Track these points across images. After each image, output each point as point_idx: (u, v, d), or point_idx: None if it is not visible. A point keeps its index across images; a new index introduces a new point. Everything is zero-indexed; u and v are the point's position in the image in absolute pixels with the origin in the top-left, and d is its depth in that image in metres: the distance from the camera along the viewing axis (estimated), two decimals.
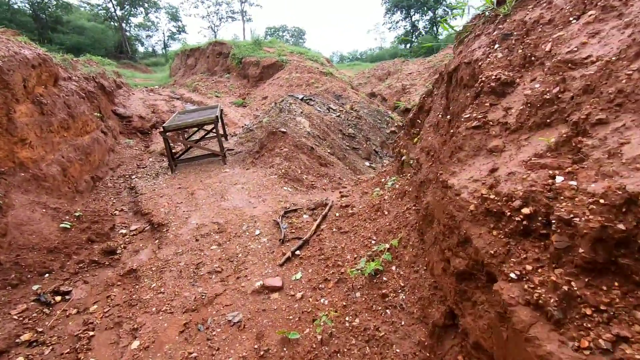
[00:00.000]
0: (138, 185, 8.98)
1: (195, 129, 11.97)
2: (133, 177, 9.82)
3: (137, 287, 4.76)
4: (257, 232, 5.52)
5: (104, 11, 41.99)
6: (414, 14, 42.23)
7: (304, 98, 14.17)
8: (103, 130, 11.44)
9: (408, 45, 43.28)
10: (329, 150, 11.36)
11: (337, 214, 5.27)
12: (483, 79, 2.31)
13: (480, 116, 2.20)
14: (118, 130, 13.26)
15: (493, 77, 2.26)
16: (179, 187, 8.39)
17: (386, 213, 4.12)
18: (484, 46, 2.74)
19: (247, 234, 5.53)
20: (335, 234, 4.71)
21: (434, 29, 41.87)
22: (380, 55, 43.94)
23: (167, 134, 10.19)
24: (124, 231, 6.69)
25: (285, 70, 20.40)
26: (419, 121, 4.80)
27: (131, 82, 23.32)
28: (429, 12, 41.43)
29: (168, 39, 49.41)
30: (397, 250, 3.41)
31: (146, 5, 44.83)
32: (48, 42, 32.06)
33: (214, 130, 10.16)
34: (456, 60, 3.12)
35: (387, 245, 3.51)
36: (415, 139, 4.22)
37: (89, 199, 8.12)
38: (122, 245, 6.11)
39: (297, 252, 4.76)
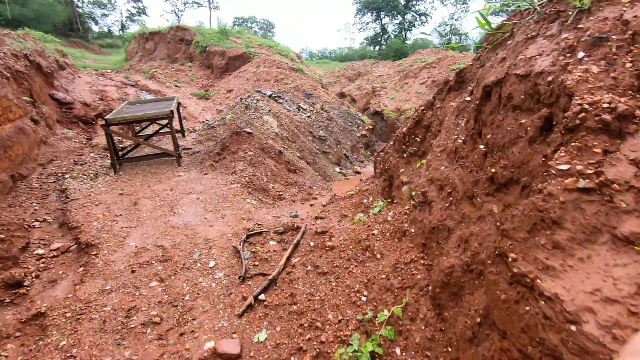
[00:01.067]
0: (70, 188, 7.43)
1: (148, 122, 10.43)
2: (66, 176, 8.19)
3: (40, 343, 3.47)
4: (212, 263, 4.39)
5: None
6: (384, 17, 41.95)
7: (273, 95, 12.98)
8: (33, 117, 9.60)
9: (377, 48, 42.96)
10: (298, 154, 10.32)
11: (312, 244, 4.27)
12: (585, 106, 1.42)
13: (590, 171, 1.31)
14: (55, 119, 11.33)
15: (604, 105, 1.38)
16: (121, 194, 6.98)
17: (378, 257, 3.20)
18: (549, 53, 1.86)
19: (199, 265, 4.37)
20: (310, 275, 3.71)
21: (403, 33, 41.87)
22: (350, 56, 43.27)
23: (112, 127, 8.64)
24: (40, 251, 5.25)
25: (253, 63, 18.99)
26: (417, 138, 3.91)
27: (79, 64, 20.78)
28: (399, 16, 41.33)
29: (126, 20, 45.48)
30: (402, 323, 2.49)
31: None
32: None
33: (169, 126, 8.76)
34: (498, 71, 2.23)
35: (387, 314, 2.58)
36: (418, 164, 3.32)
37: (2, 205, 6.50)
38: (33, 273, 4.70)
39: (262, 297, 3.71)
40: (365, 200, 4.91)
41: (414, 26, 41.12)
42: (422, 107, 3.90)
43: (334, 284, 3.36)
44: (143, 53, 23.83)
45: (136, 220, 5.73)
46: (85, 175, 8.19)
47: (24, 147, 8.28)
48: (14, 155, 7.75)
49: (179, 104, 11.59)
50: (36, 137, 9.10)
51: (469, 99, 2.88)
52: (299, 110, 13.07)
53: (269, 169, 8.12)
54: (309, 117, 12.86)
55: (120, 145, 10.72)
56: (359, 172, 12.08)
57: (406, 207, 3.39)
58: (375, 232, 3.56)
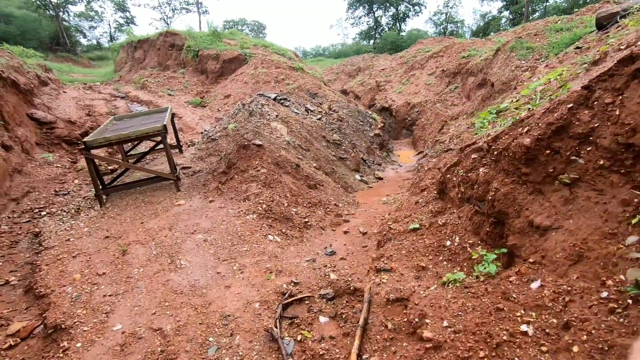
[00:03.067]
0: (46, 231, 5.83)
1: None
2: (43, 213, 6.58)
3: None
4: None
5: None
6: (376, 10, 40.06)
7: (278, 98, 11.33)
8: (5, 143, 7.98)
9: (371, 42, 41.11)
10: (314, 165, 8.71)
11: (390, 326, 2.68)
12: None
13: None
14: (33, 142, 9.66)
15: None
16: (107, 237, 5.37)
17: None
18: None
19: None
20: None
21: (397, 24, 40.01)
22: (344, 51, 41.44)
23: (94, 151, 7.02)
24: None
25: (250, 64, 17.30)
26: (559, 156, 2.33)
27: (66, 78, 19.05)
28: (392, 8, 39.48)
29: (115, 31, 43.43)
30: None
31: None
32: None
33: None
34: None
35: None
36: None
37: None
38: None
39: None
40: (448, 243, 3.32)
41: (408, 17, 39.32)
42: (570, 104, 2.32)
43: None
44: (132, 63, 22.07)
45: (124, 281, 4.12)
46: (65, 211, 6.57)
47: None
48: None
49: (173, 115, 9.96)
50: (7, 167, 7.46)
51: None
52: (307, 112, 11.44)
53: (288, 188, 6.51)
54: (319, 119, 11.23)
55: (110, 168, 9.11)
56: (381, 178, 10.50)
57: (603, 293, 1.80)
58: (529, 330, 1.98)
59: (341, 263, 4.41)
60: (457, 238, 3.30)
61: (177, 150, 9.43)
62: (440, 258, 3.26)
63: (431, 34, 37.99)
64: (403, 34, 39.37)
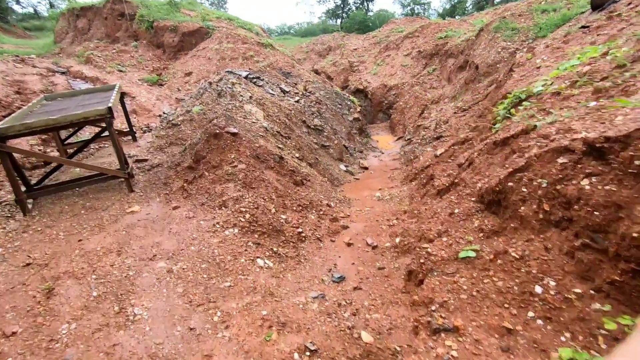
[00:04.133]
0: None
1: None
2: None
3: None
4: None
5: None
6: None
7: (250, 76, 9.69)
8: None
9: (338, 21, 39.18)
10: (297, 155, 7.36)
11: None
12: None
13: None
14: None
15: None
16: (27, 264, 3.78)
17: None
18: None
19: None
20: None
21: (365, 4, 38.32)
22: (311, 30, 39.21)
23: (13, 141, 5.20)
24: None
25: (214, 39, 15.22)
26: None
27: None
28: None
29: None
30: None
31: None
32: None
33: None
34: None
35: None
36: None
37: None
38: None
39: None
40: (538, 290, 2.24)
41: None
42: None
43: None
44: (75, 33, 18.90)
45: (45, 348, 2.67)
46: None
47: None
48: None
49: (123, 94, 8.09)
50: None
51: None
52: (284, 94, 9.93)
53: (272, 187, 5.17)
54: (297, 102, 9.78)
55: (42, 161, 7.17)
56: (366, 168, 9.38)
57: None
58: None
59: (357, 296, 3.25)
60: (551, 282, 2.23)
61: (129, 137, 7.65)
62: (531, 314, 2.18)
63: (399, 15, 36.83)
64: (370, 13, 37.87)
